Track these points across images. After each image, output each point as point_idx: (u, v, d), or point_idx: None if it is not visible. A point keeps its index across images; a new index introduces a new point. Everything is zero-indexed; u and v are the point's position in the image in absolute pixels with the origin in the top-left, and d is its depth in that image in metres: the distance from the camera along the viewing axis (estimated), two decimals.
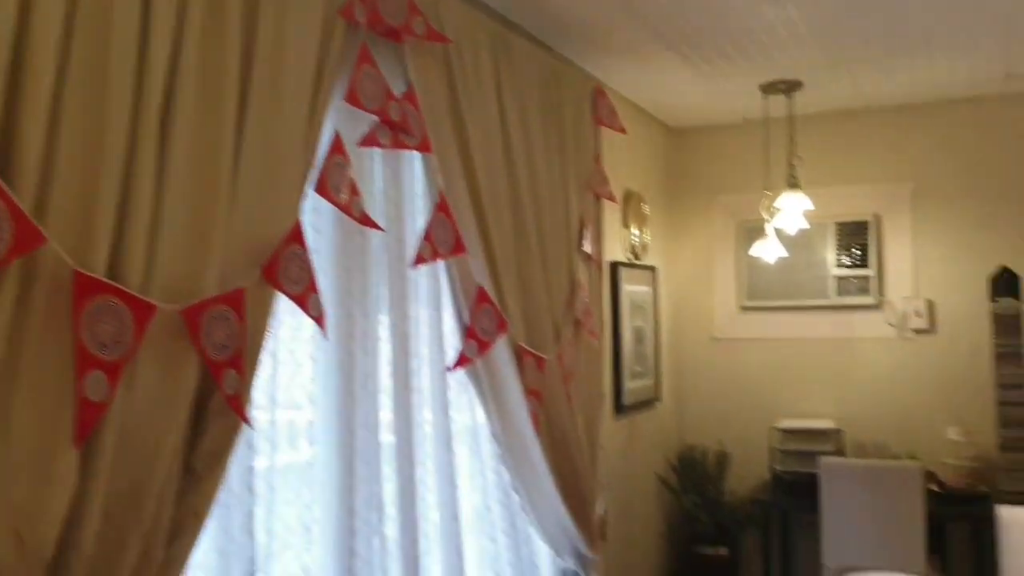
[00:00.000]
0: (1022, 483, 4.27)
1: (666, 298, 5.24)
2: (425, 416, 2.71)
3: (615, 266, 4.46)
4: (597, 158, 3.90)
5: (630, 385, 4.60)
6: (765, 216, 4.57)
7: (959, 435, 4.57)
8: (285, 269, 2.03)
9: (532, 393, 3.10)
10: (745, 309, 5.23)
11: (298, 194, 2.11)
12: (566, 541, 3.36)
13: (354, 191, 2.32)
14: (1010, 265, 4.50)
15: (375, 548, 2.41)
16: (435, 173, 2.69)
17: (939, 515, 4.27)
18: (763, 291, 5.17)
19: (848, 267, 4.98)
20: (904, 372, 4.87)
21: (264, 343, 1.99)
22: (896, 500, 4.17)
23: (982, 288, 4.61)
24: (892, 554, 4.09)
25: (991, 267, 4.56)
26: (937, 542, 4.37)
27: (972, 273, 4.68)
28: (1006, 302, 4.48)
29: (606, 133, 3.99)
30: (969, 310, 4.71)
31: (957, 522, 4.56)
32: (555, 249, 3.40)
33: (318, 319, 2.16)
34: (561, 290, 3.48)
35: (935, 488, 4.40)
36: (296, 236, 2.07)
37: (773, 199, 4.50)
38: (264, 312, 1.99)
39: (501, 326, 2.95)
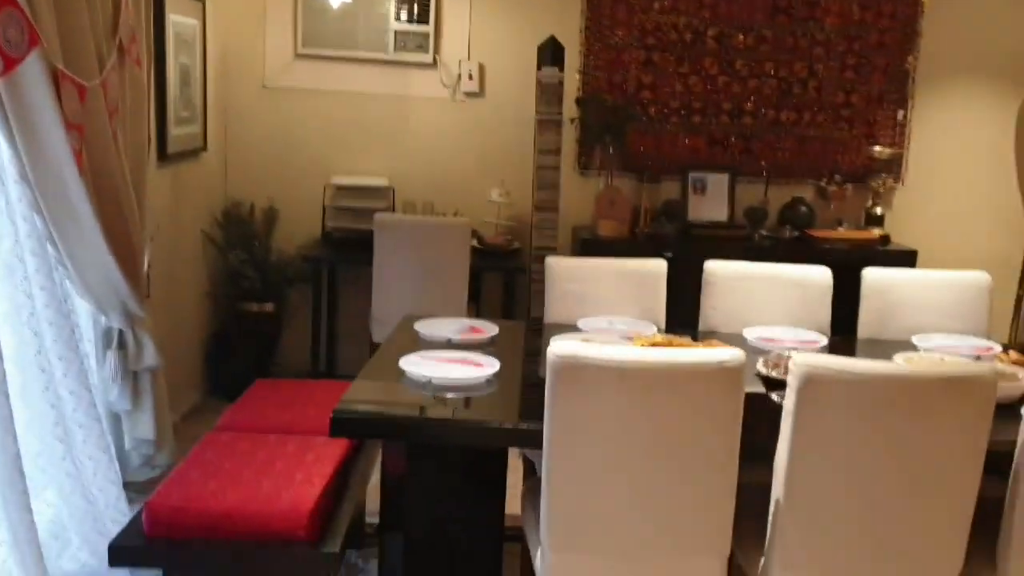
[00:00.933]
0: (549, 239, 4.67)
1: (214, 37, 4.72)
2: None
3: None
4: None
5: (176, 132, 4.14)
6: None
7: (500, 196, 4.84)
8: None
9: (73, 128, 2.60)
10: (301, 57, 4.92)
11: None
12: (113, 297, 2.99)
13: None
14: (558, 36, 4.70)
15: None
16: None
17: (478, 267, 4.55)
18: (320, 38, 4.88)
19: (407, 22, 4.87)
20: (454, 134, 4.99)
21: None
22: (444, 255, 4.33)
23: (531, 56, 4.77)
24: (438, 302, 4.29)
25: (541, 37, 4.72)
26: (474, 290, 4.69)
27: (522, 41, 4.82)
28: (550, 71, 4.69)
29: None
30: (517, 78, 4.89)
31: (493, 273, 4.91)
32: None
33: None
34: (105, 7, 2.91)
35: (476, 244, 4.66)
36: None
37: None
38: None
39: (33, 40, 2.38)
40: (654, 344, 2.71)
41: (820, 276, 3.25)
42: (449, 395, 2.40)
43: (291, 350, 5.03)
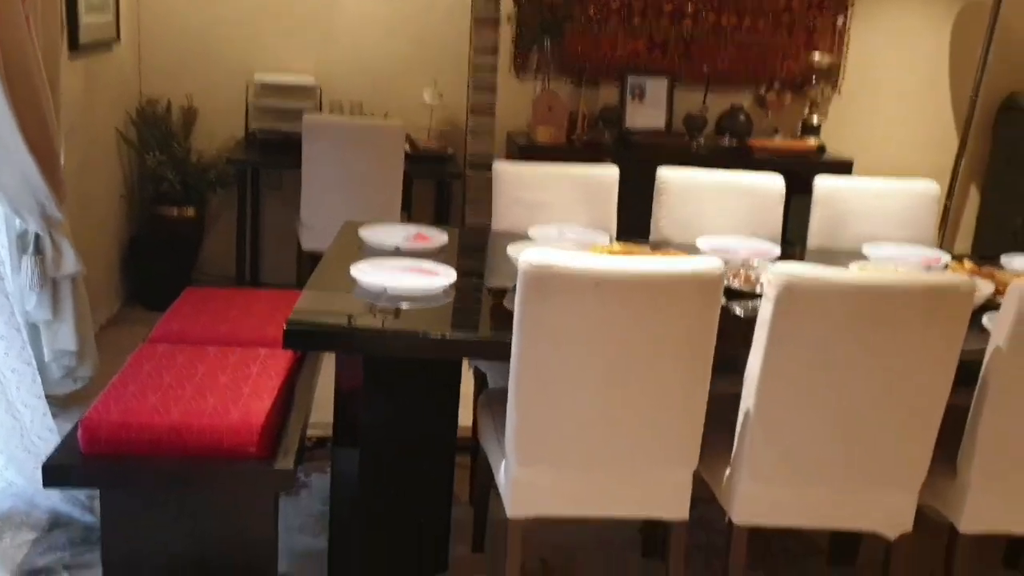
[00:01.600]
0: (484, 144, 4.52)
1: None
2: None
3: None
4: None
5: (87, 19, 3.82)
6: None
7: (433, 99, 4.65)
8: None
9: None
10: None
11: None
12: (29, 199, 2.75)
13: None
14: None
15: None
16: None
17: (411, 173, 4.38)
18: None
19: None
20: (385, 30, 4.74)
21: None
22: (377, 159, 4.15)
23: None
24: (370, 209, 4.12)
25: None
26: (407, 197, 4.54)
27: None
28: None
29: None
30: None
31: (425, 180, 4.75)
32: None
33: None
34: None
35: (408, 149, 4.48)
36: None
37: None
38: None
39: None
40: (614, 254, 2.63)
41: (772, 184, 3.20)
42: (405, 305, 2.29)
43: (214, 257, 4.81)
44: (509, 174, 3.17)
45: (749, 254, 2.92)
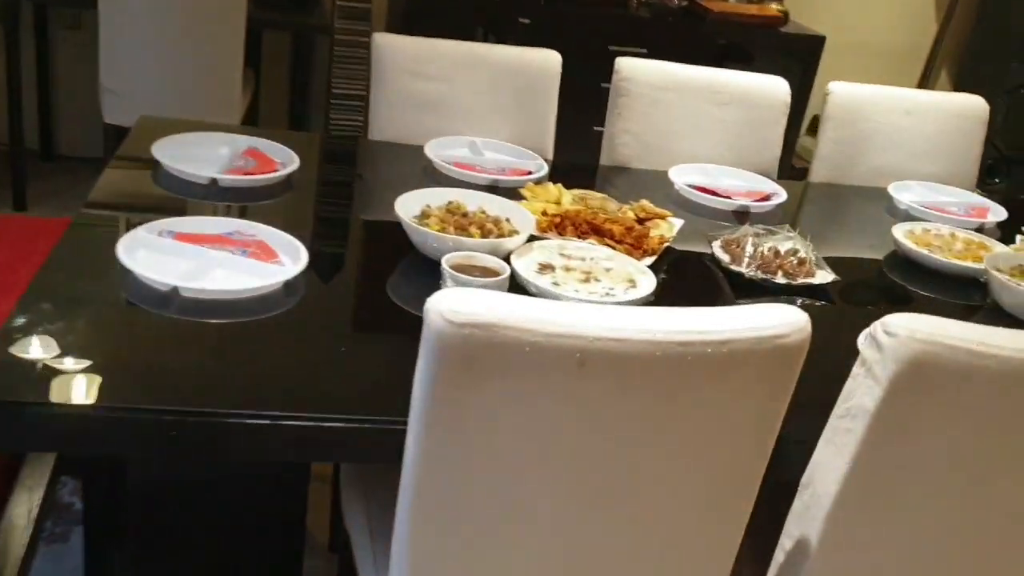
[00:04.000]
0: None
1: None
2: None
3: None
4: None
5: None
6: None
7: None
8: None
9: None
10: None
11: None
12: None
13: None
14: None
15: None
16: None
17: (258, 22, 3.22)
18: None
19: None
20: None
21: None
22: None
23: None
24: (198, 70, 2.99)
25: None
26: (253, 56, 3.41)
27: None
28: None
29: None
30: None
31: (278, 32, 3.59)
32: None
33: None
34: None
35: None
36: None
37: None
38: None
39: None
40: (563, 217, 1.66)
41: (772, 90, 2.25)
42: (204, 319, 1.27)
43: None
44: (395, 50, 2.11)
45: (745, 198, 2.01)
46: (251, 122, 3.44)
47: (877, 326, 1.08)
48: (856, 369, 1.12)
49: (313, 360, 1.24)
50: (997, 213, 2.16)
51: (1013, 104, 3.78)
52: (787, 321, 1.02)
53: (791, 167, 3.60)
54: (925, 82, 4.14)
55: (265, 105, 3.69)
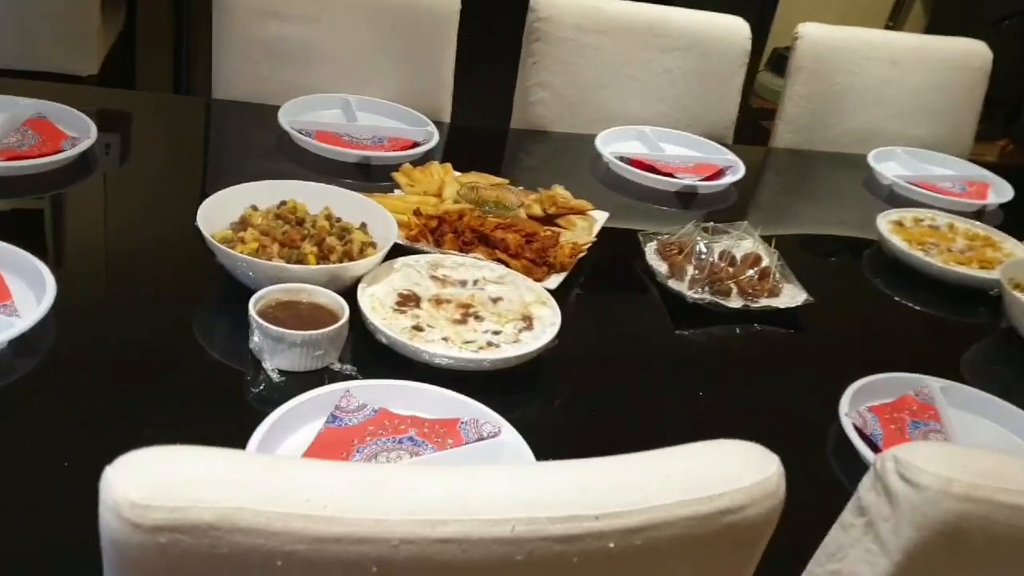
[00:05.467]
0: None
1: None
2: None
3: None
4: None
5: None
6: None
7: None
8: None
9: None
10: None
11: None
12: None
13: None
14: None
15: None
16: None
17: None
18: None
19: None
20: None
21: None
22: None
23: None
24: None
25: None
26: None
27: None
28: None
29: None
30: None
31: None
32: None
33: None
34: None
35: None
36: None
37: None
38: None
39: None
40: (440, 220, 1.22)
41: (729, 33, 1.81)
42: None
43: None
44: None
45: (689, 172, 1.58)
46: (111, 75, 2.82)
47: (888, 463, 0.67)
48: (850, 517, 0.71)
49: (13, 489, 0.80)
50: (1000, 191, 1.76)
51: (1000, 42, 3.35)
52: (745, 483, 0.60)
53: (748, 107, 3.15)
54: (896, 14, 3.70)
55: (143, 54, 3.08)
